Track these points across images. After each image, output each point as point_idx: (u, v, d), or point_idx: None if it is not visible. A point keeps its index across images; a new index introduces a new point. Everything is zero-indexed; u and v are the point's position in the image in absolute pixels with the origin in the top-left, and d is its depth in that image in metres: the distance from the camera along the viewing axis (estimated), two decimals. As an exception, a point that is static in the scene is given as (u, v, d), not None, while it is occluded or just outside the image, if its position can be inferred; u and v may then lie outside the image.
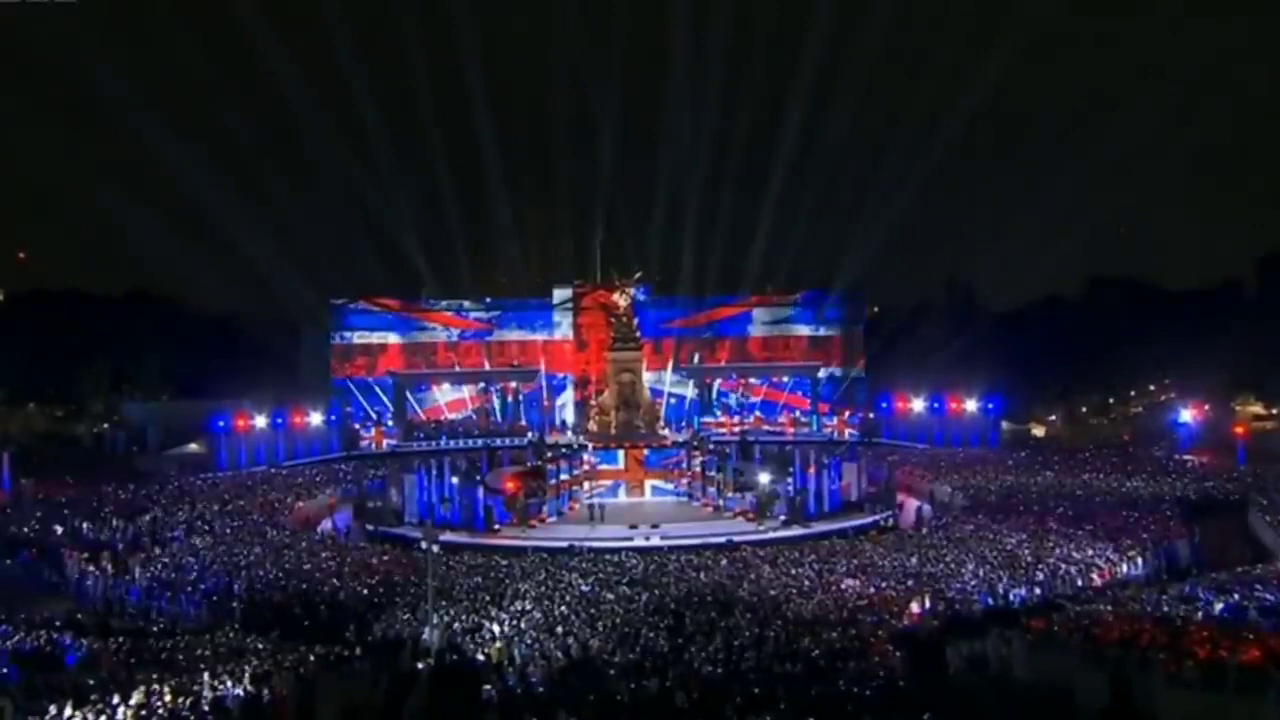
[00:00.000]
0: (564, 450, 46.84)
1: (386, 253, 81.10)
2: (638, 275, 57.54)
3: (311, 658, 20.32)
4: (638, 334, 54.40)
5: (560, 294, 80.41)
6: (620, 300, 54.34)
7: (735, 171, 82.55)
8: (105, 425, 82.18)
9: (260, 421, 61.48)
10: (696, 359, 79.81)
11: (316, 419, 66.11)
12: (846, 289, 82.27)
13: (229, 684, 16.88)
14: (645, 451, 47.39)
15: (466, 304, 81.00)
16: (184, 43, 77.58)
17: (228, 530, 38.52)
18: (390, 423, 70.50)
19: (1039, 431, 74.81)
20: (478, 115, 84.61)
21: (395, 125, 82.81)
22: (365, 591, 29.01)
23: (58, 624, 25.78)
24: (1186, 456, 53.20)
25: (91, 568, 33.18)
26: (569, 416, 78.26)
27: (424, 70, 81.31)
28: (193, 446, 66.09)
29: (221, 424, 59.53)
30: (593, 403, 73.23)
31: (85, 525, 39.91)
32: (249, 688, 16.89)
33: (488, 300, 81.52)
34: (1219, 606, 21.56)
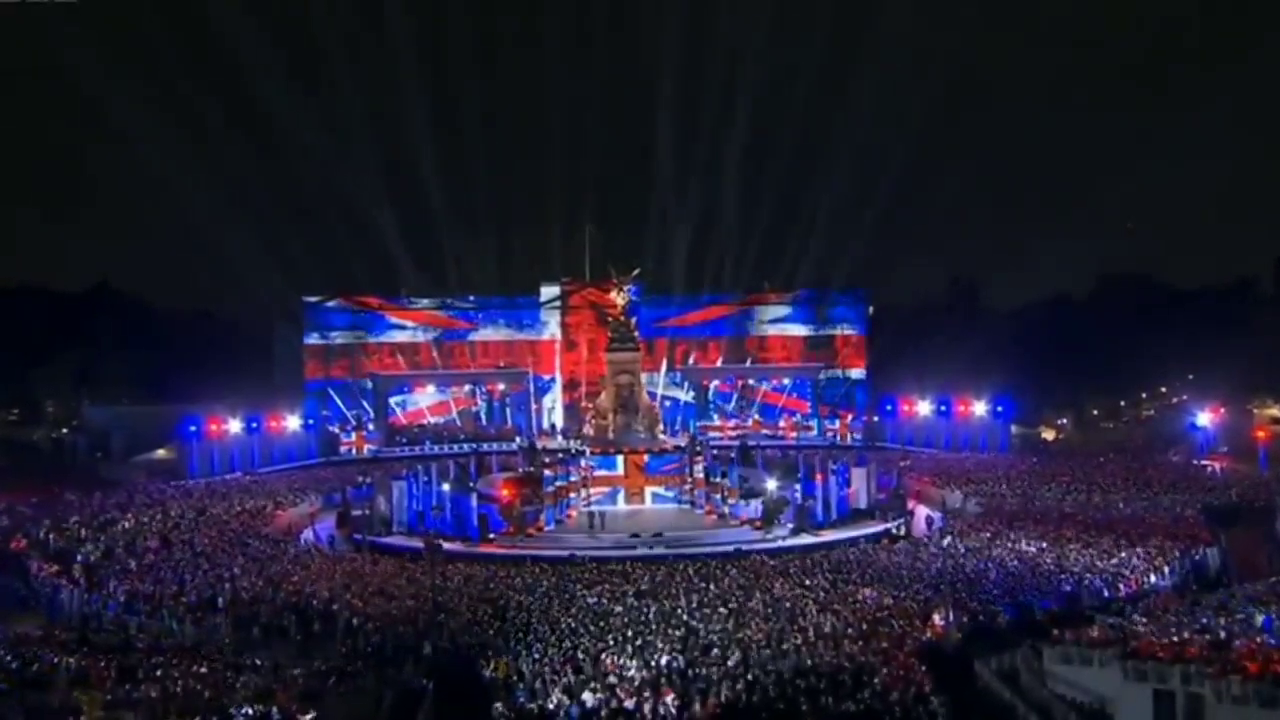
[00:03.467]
0: (560, 455, 46.66)
1: (365, 248, 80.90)
2: (636, 272, 57.39)
3: (315, 673, 20.13)
4: (636, 334, 54.29)
5: (548, 291, 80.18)
6: (618, 299, 54.15)
7: (732, 164, 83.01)
8: (65, 430, 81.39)
9: (234, 426, 60.95)
10: (691, 360, 79.87)
11: (294, 423, 65.68)
12: (847, 287, 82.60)
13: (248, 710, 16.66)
14: (645, 456, 47.29)
15: (449, 302, 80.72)
16: (155, 30, 77.12)
17: (206, 540, 38.20)
18: (371, 427, 70.11)
19: (1049, 435, 75.32)
20: (463, 105, 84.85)
21: (375, 115, 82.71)
22: (361, 603, 28.80)
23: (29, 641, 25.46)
24: (1205, 461, 53.65)
25: (63, 581, 32.79)
26: (558, 419, 78.15)
27: (408, 59, 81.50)
28: (161, 452, 65.58)
29: (193, 428, 58.92)
30: (584, 405, 73.16)
31: (51, 536, 39.50)
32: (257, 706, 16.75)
33: (472, 298, 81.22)
34: (1260, 619, 21.70)
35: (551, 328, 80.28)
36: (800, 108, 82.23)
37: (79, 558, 35.57)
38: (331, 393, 76.36)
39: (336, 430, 69.81)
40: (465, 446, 65.26)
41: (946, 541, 37.09)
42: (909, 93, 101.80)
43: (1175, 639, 20.47)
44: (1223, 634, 20.53)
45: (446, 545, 37.13)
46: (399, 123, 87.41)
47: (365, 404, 75.71)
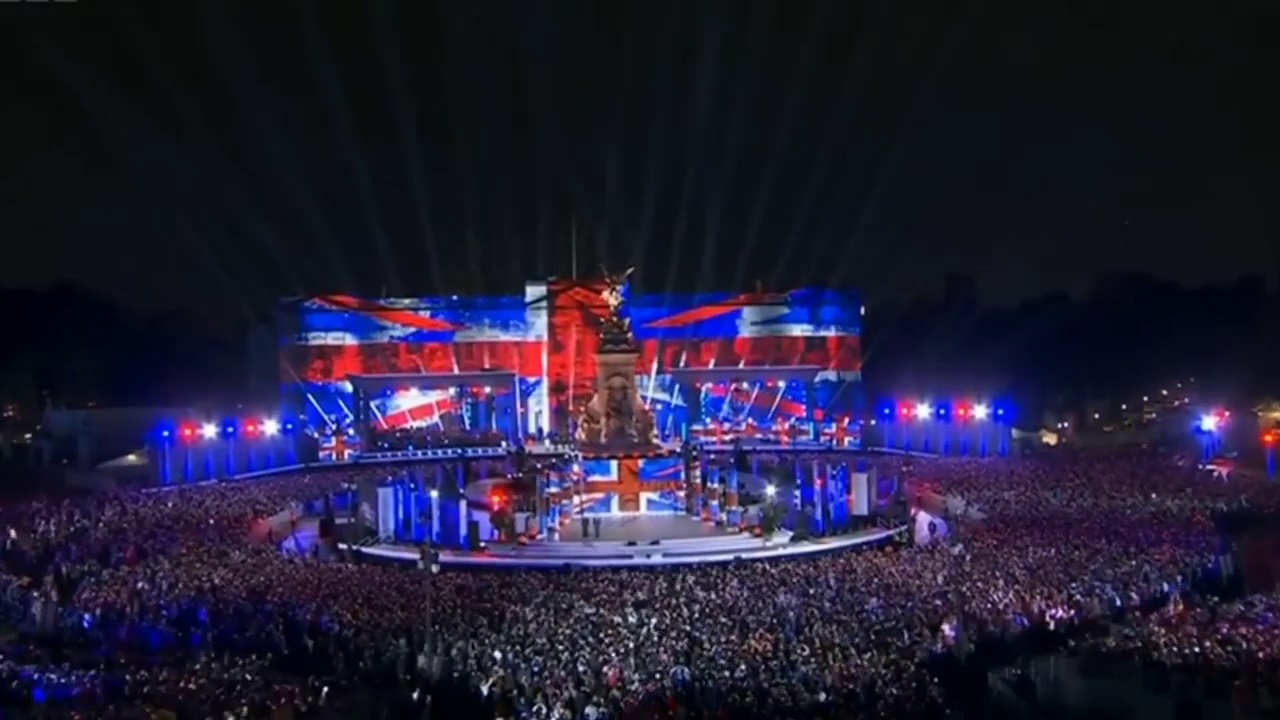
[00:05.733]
0: (552, 460, 46.59)
1: (343, 246, 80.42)
2: (630, 271, 57.17)
3: (309, 688, 19.99)
4: (629, 334, 54.10)
5: (534, 291, 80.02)
6: (611, 299, 53.98)
7: (724, 160, 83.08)
8: (28, 435, 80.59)
9: (209, 431, 60.40)
10: (683, 362, 79.90)
11: (271, 427, 65.19)
12: (842, 286, 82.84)
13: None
14: (640, 462, 47.28)
15: (431, 302, 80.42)
16: (125, 25, 76.49)
17: (184, 550, 37.86)
18: (351, 431, 69.72)
19: (1050, 439, 75.73)
20: (446, 98, 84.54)
21: (354, 108, 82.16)
22: (349, 616, 28.64)
23: (2, 656, 25.11)
24: (1211, 466, 54.04)
25: (35, 593, 32.40)
26: (544, 423, 78.07)
27: (387, 49, 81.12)
28: (131, 458, 64.85)
29: (166, 433, 58.32)
30: (572, 408, 73.04)
31: (18, 546, 39.06)
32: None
33: (455, 298, 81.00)
34: (1280, 628, 21.90)
35: (538, 328, 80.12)
36: (795, 104, 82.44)
37: (50, 568, 35.21)
38: (309, 396, 76.02)
39: (315, 435, 69.35)
40: (449, 451, 65.23)
41: (957, 549, 37.13)
42: (905, 90, 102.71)
43: (1197, 649, 20.60)
44: (1244, 644, 20.67)
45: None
46: (381, 117, 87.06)
47: (344, 407, 75.41)
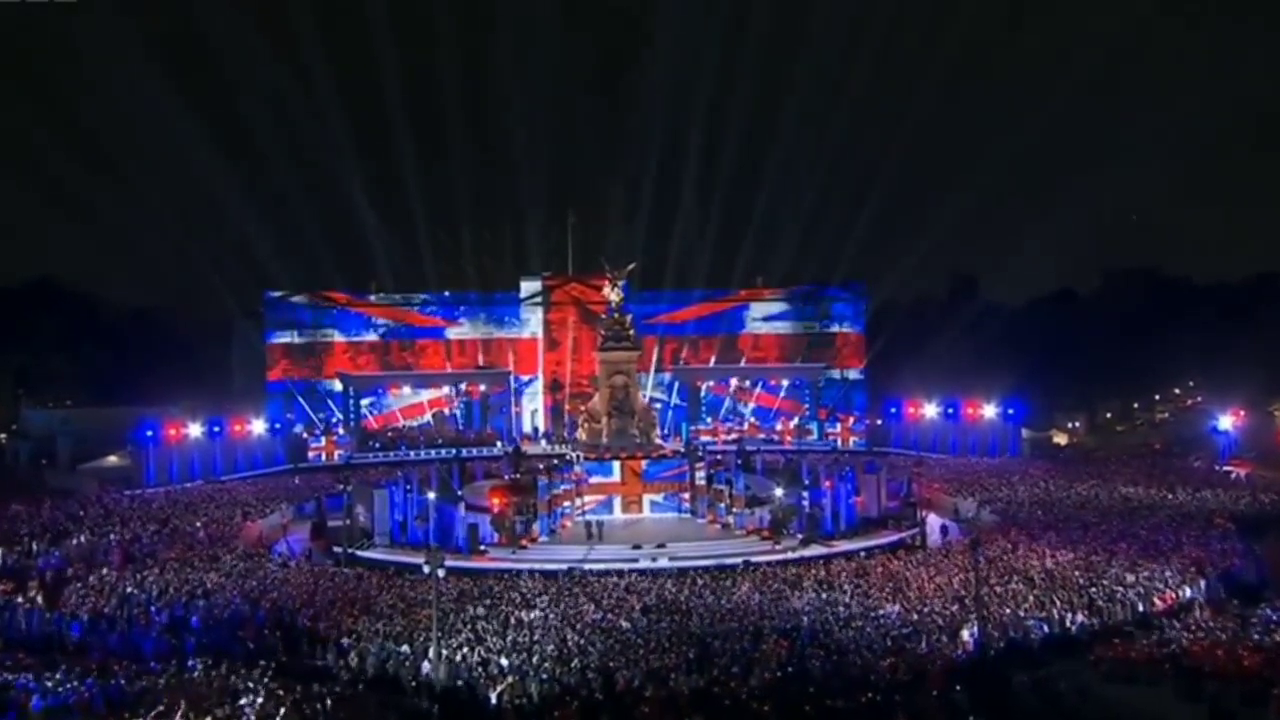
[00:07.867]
0: (554, 461, 46.45)
1: (332, 240, 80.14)
2: (631, 266, 56.85)
3: (314, 697, 19.86)
4: (631, 331, 53.80)
5: (528, 287, 79.79)
6: (612, 295, 53.65)
7: (725, 153, 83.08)
8: (4, 435, 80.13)
9: (194, 430, 60.06)
10: (682, 359, 79.75)
11: (259, 427, 64.90)
12: (845, 283, 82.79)
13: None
14: (643, 463, 47.15)
15: (423, 298, 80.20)
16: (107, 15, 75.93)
17: (173, 554, 37.64)
18: (341, 431, 69.47)
19: (1061, 439, 75.86)
20: (437, 88, 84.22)
21: (342, 97, 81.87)
22: (349, 621, 28.51)
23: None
24: (1228, 467, 54.16)
25: (20, 598, 32.19)
26: (539, 423, 77.89)
27: (378, 40, 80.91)
28: (113, 459, 64.39)
29: (150, 433, 57.93)
30: (568, 406, 72.98)
31: (-1, 551, 38.83)
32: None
33: (447, 294, 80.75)
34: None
35: (533, 325, 79.89)
36: (798, 98, 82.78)
37: (33, 573, 34.98)
38: (298, 395, 75.76)
39: (304, 435, 69.05)
40: (443, 452, 65.04)
41: (977, 553, 37.05)
42: (907, 84, 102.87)
43: (1229, 655, 20.59)
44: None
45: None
46: (371, 108, 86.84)
47: (334, 405, 75.19)
